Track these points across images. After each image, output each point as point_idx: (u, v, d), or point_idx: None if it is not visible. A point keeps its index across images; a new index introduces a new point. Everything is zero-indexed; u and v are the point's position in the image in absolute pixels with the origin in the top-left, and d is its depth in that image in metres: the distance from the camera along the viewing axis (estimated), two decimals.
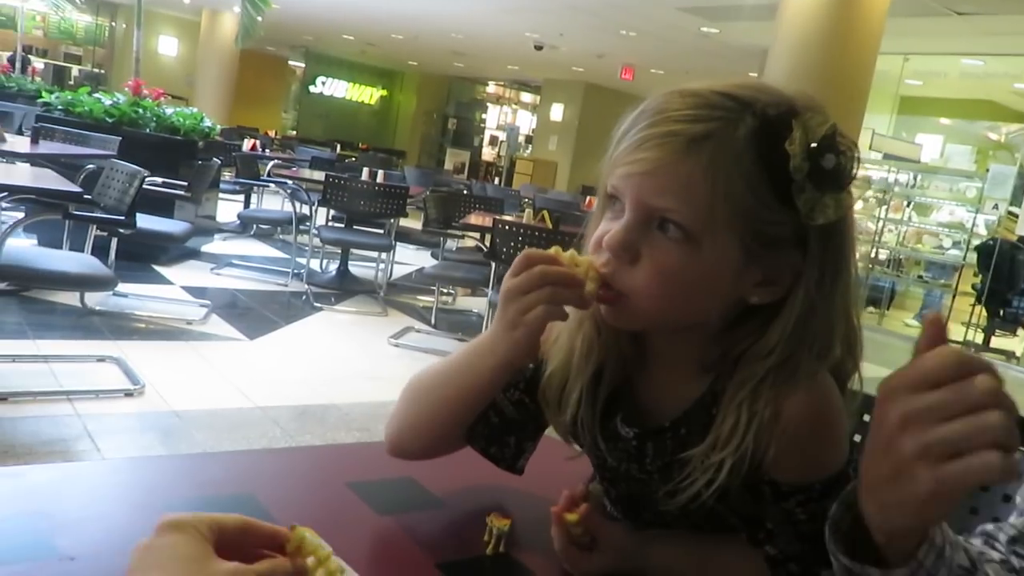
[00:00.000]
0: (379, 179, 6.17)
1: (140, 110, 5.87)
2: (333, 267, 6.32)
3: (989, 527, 0.80)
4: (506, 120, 20.92)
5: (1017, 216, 8.87)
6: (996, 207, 8.91)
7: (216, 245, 6.81)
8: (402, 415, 0.93)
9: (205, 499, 0.87)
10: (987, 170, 9.30)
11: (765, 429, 0.73)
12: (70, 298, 4.34)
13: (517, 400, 0.91)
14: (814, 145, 0.70)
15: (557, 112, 16.67)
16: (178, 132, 5.92)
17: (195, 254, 6.19)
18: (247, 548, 0.61)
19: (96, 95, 6.04)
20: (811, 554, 0.74)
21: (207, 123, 6.34)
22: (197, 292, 5.13)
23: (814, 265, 0.73)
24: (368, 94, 21.36)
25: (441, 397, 0.89)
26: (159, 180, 4.68)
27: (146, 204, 3.95)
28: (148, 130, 5.82)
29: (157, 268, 5.54)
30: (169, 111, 6.08)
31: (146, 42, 12.67)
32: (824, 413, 0.75)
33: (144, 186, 3.65)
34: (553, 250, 0.77)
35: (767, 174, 0.70)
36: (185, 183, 4.90)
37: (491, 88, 21.03)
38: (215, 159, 5.36)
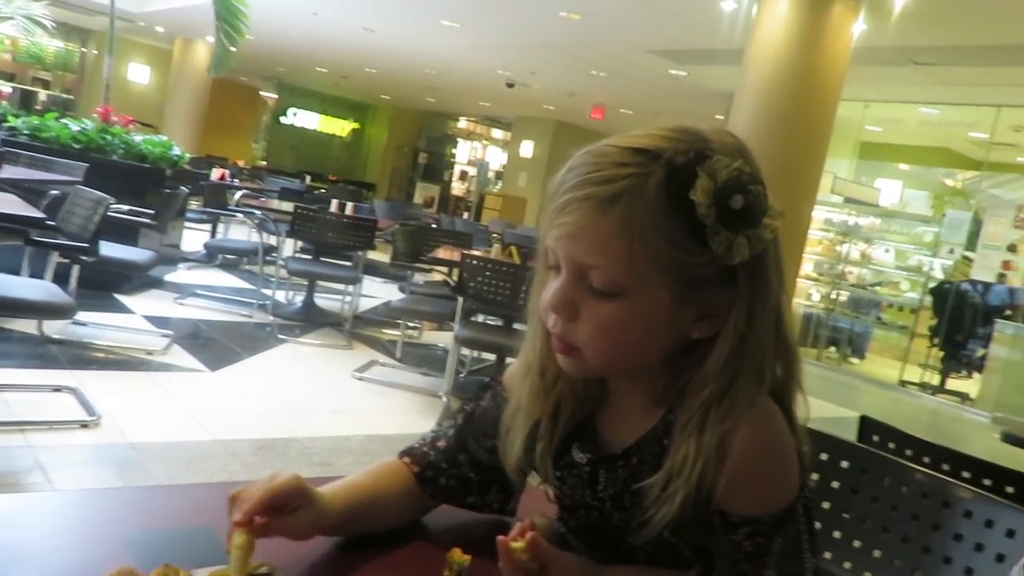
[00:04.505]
0: (348, 211, 6.17)
1: (108, 137, 5.81)
2: (299, 299, 6.27)
3: None
4: (477, 155, 21.04)
5: (972, 260, 9.12)
6: (952, 251, 9.15)
7: (180, 274, 6.73)
8: None
9: (161, 532, 0.86)
10: (944, 215, 9.57)
11: (715, 460, 0.75)
12: (28, 326, 4.26)
13: (491, 447, 0.93)
14: (718, 189, 0.72)
15: (527, 149, 16.82)
16: (146, 160, 5.87)
17: (159, 283, 6.12)
18: None
19: (64, 121, 5.98)
20: None
21: (176, 151, 6.31)
22: (159, 322, 5.06)
23: (743, 297, 0.76)
24: (340, 126, 21.40)
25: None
26: (125, 208, 4.63)
27: (111, 231, 3.91)
28: (116, 157, 5.76)
29: (119, 297, 5.46)
30: (138, 138, 6.03)
31: (117, 69, 12.64)
32: (771, 443, 0.77)
33: (109, 213, 3.62)
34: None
35: (681, 221, 0.73)
36: (151, 211, 4.85)
37: (463, 123, 21.17)
38: (183, 188, 5.32)
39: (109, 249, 4.03)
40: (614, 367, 0.82)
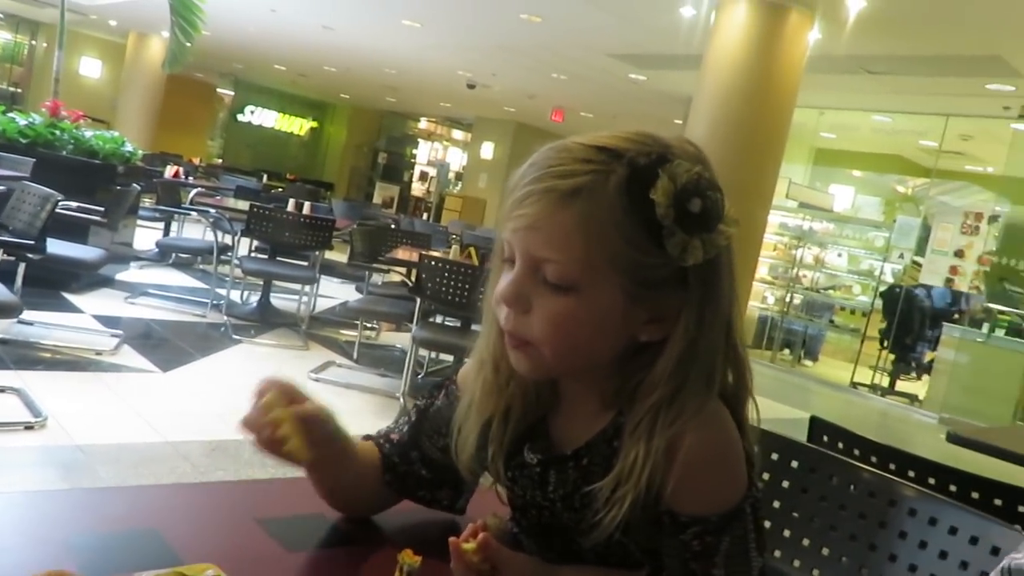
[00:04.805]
0: (305, 210, 6.10)
1: (57, 132, 5.67)
2: (254, 299, 6.19)
3: None
4: (437, 156, 20.98)
5: (921, 265, 9.35)
6: (902, 256, 9.37)
7: (132, 273, 6.59)
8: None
9: (105, 535, 0.84)
10: (894, 221, 9.80)
11: (663, 463, 0.75)
12: None
13: (444, 446, 0.93)
14: (678, 191, 0.73)
15: (487, 150, 16.82)
16: (97, 156, 5.75)
17: (109, 282, 5.98)
18: None
19: (11, 115, 5.82)
20: None
21: (128, 148, 6.18)
22: (109, 321, 4.95)
23: (694, 301, 0.77)
24: (298, 125, 21.17)
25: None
26: (74, 204, 4.53)
27: (59, 229, 3.82)
28: (65, 153, 5.63)
29: (67, 296, 5.33)
30: (88, 134, 5.90)
31: (68, 63, 12.32)
32: (719, 446, 0.78)
33: (58, 210, 3.53)
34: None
35: (639, 221, 0.74)
36: (102, 208, 4.75)
37: (423, 124, 21.09)
38: (135, 185, 5.22)
39: (57, 247, 3.94)
40: (565, 364, 0.81)
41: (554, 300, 0.76)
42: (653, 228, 0.74)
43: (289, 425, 0.84)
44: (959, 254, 8.93)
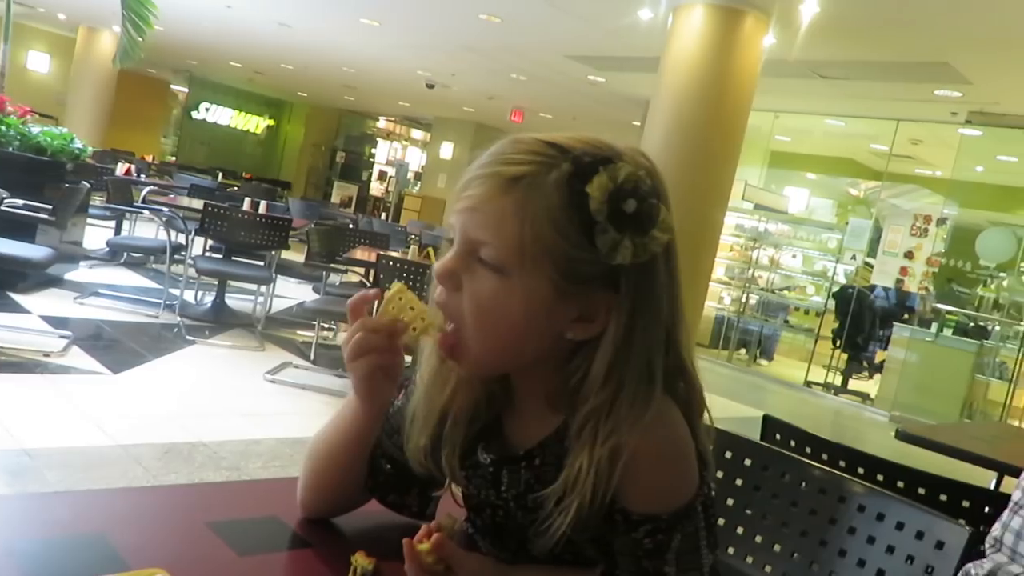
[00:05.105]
0: (262, 210, 6.02)
1: (3, 128, 5.52)
2: (209, 299, 6.09)
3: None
4: (396, 156, 20.86)
5: (872, 266, 9.56)
6: (854, 257, 9.57)
7: (82, 273, 6.44)
8: (302, 474, 0.97)
9: (49, 541, 0.82)
10: (847, 223, 10.00)
11: (611, 461, 0.76)
12: None
13: (403, 446, 0.93)
14: (614, 189, 0.75)
15: (447, 150, 16.78)
16: (45, 152, 5.61)
17: (58, 282, 5.84)
18: None
19: None
20: None
21: (78, 144, 6.04)
22: (57, 322, 4.83)
23: (625, 303, 0.77)
24: (254, 123, 20.86)
25: (322, 452, 0.96)
26: (20, 202, 4.42)
27: (5, 227, 3.72)
28: (11, 149, 5.49)
29: (13, 296, 5.18)
30: (36, 130, 5.75)
31: (14, 57, 11.98)
32: (668, 445, 0.79)
33: (3, 208, 3.44)
34: (396, 287, 0.84)
35: (575, 215, 0.75)
36: (50, 206, 4.63)
37: (382, 123, 20.95)
38: (84, 182, 5.10)
39: (3, 246, 3.84)
40: (490, 355, 0.81)
41: (484, 282, 0.78)
42: (586, 223, 0.75)
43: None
44: (909, 255, 9.14)
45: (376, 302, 0.86)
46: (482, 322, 0.79)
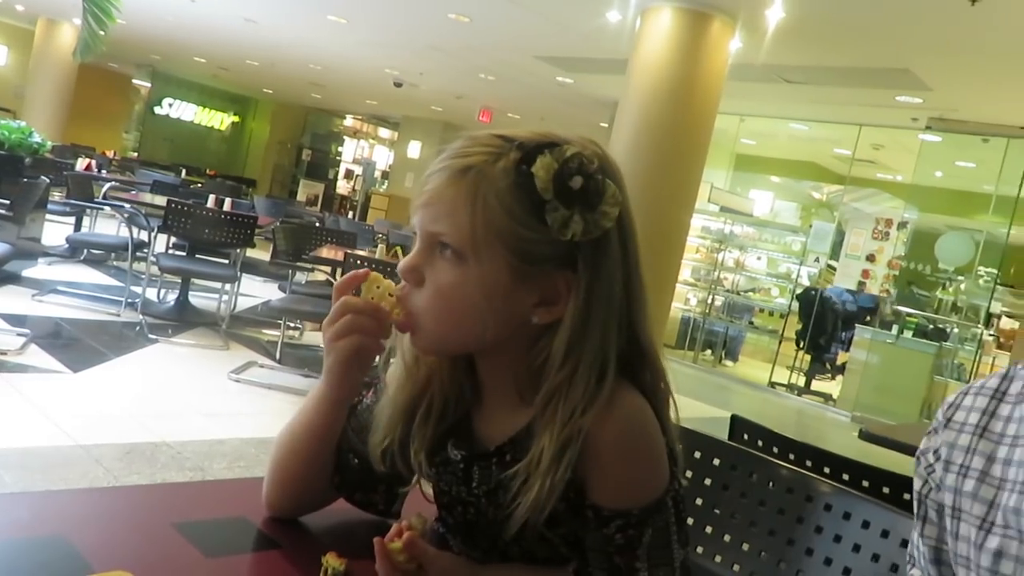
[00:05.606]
0: (226, 207, 5.94)
1: None
2: (172, 297, 6.00)
3: None
4: (363, 154, 20.72)
5: (835, 269, 9.71)
6: (818, 260, 9.71)
7: (40, 270, 6.30)
8: (268, 471, 0.95)
9: (5, 543, 0.79)
10: (811, 226, 10.14)
11: (576, 449, 0.77)
12: None
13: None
14: (560, 168, 0.76)
15: (414, 150, 16.71)
16: (2, 146, 5.49)
17: (15, 279, 5.71)
18: None
19: None
20: None
21: (36, 139, 5.93)
22: (15, 320, 4.72)
23: (581, 284, 0.79)
24: (219, 119, 20.58)
25: (288, 443, 0.94)
26: None
27: None
28: None
29: None
30: None
31: None
32: (637, 439, 0.79)
33: None
34: (372, 277, 0.84)
35: (524, 195, 0.77)
36: (7, 202, 4.53)
37: (349, 121, 20.79)
38: (43, 177, 5.00)
39: None
40: (450, 340, 0.83)
41: (444, 271, 0.79)
42: (536, 203, 0.76)
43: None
44: (871, 258, 9.30)
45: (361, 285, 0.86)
46: (443, 309, 0.80)
